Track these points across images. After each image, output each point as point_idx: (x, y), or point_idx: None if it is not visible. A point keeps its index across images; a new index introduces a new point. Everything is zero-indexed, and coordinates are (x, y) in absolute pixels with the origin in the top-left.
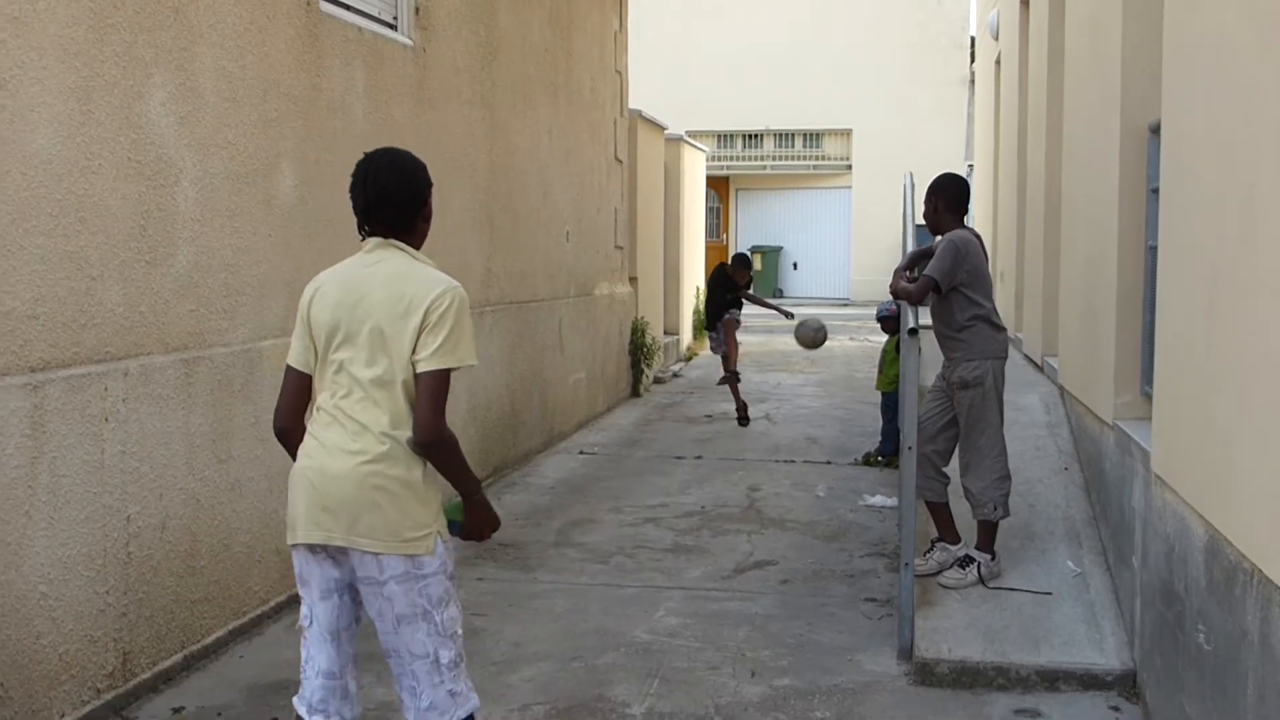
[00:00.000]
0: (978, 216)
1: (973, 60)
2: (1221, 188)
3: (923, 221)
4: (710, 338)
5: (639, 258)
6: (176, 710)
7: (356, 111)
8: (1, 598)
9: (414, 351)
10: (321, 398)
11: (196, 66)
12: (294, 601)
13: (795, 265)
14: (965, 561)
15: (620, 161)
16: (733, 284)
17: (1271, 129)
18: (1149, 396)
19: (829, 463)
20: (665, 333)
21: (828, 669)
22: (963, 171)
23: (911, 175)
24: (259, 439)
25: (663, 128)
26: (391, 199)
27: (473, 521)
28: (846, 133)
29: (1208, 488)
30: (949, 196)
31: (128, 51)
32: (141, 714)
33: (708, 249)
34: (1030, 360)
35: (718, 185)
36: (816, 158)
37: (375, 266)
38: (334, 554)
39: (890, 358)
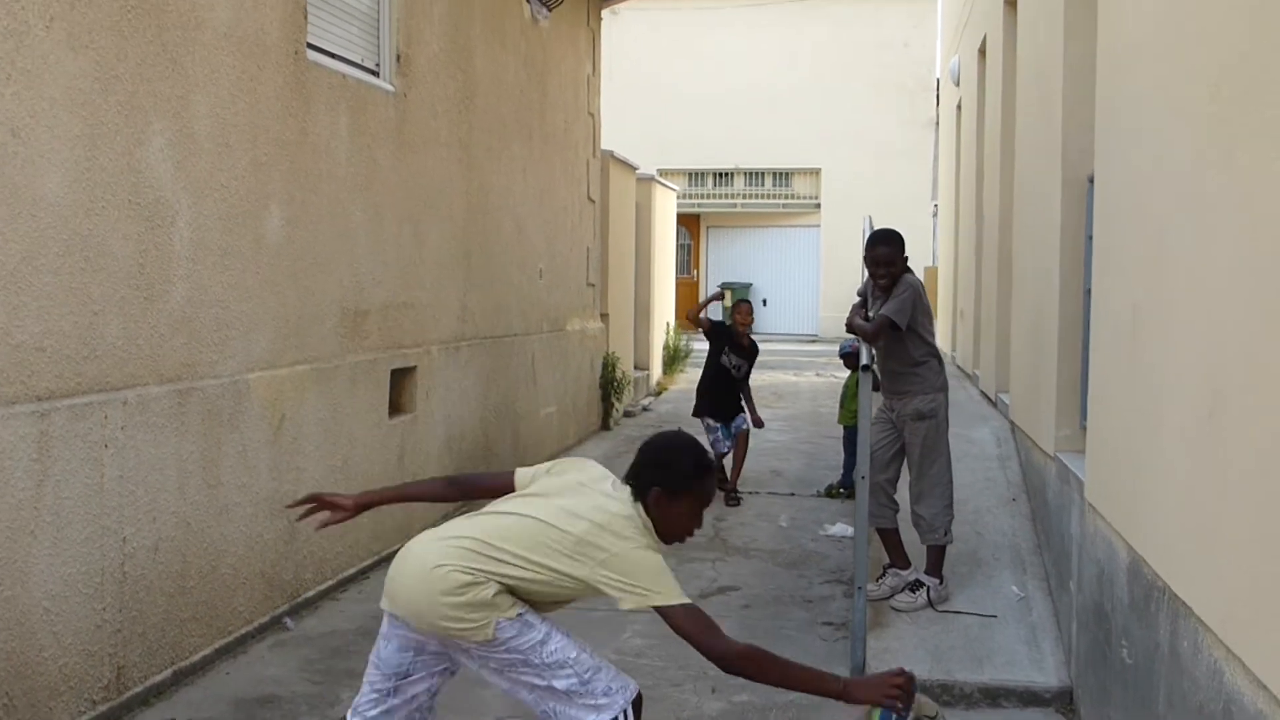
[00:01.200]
0: (942, 256)
1: (939, 103)
2: (1140, 234)
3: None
4: (710, 429)
5: (611, 294)
6: None
7: (340, 154)
8: (8, 612)
9: None
10: None
11: (192, 114)
12: (275, 622)
13: (765, 302)
14: (915, 586)
15: (593, 201)
16: (731, 337)
17: (1176, 181)
18: (1085, 430)
19: (792, 494)
20: (636, 367)
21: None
22: (928, 213)
23: (870, 218)
24: (246, 467)
25: (634, 168)
26: None
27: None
28: (816, 172)
29: (1129, 513)
30: (901, 248)
31: (130, 100)
32: None
33: (679, 285)
34: (985, 396)
35: (689, 222)
36: (786, 196)
37: None
38: None
39: (851, 392)
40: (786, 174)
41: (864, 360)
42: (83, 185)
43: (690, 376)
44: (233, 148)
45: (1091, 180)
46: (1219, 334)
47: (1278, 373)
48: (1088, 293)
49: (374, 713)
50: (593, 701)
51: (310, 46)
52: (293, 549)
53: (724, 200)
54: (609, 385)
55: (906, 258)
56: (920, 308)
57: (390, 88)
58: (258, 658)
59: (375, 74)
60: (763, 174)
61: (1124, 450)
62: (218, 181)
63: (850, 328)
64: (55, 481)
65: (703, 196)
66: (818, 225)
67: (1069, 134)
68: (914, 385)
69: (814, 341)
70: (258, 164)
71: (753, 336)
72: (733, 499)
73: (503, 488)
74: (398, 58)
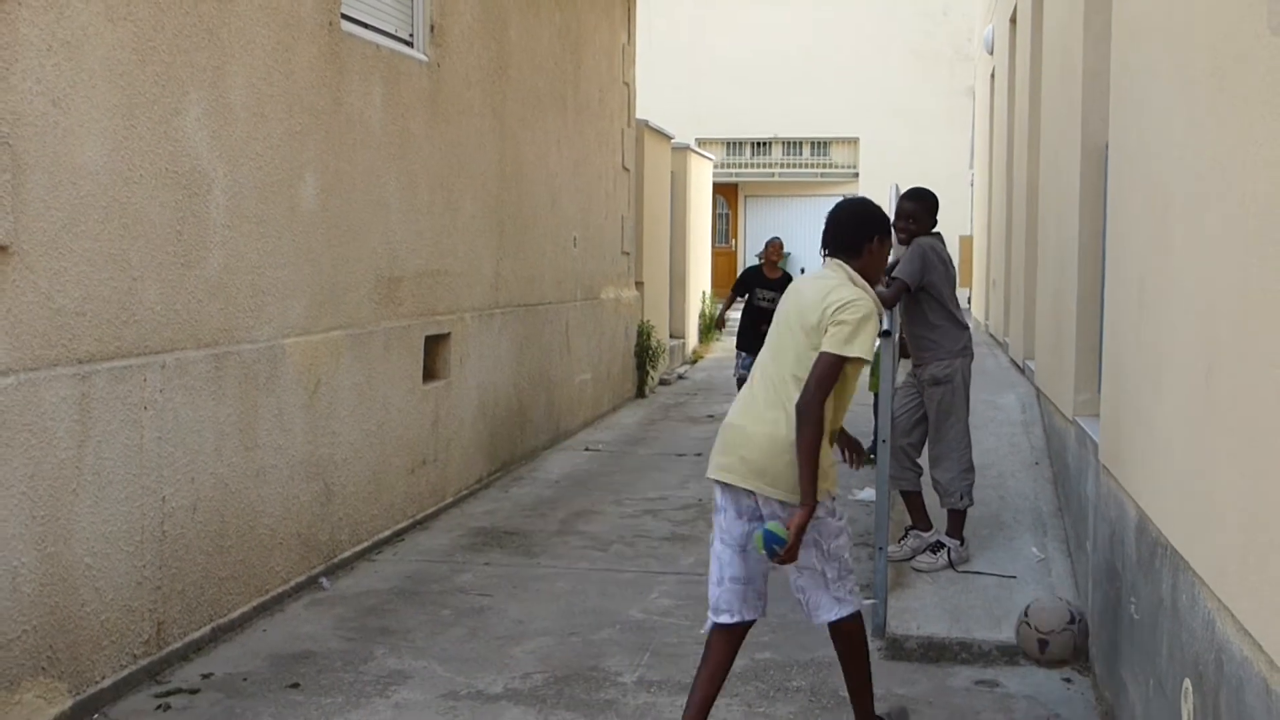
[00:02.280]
0: (978, 225)
1: (976, 72)
2: (1147, 205)
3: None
4: (741, 360)
5: (645, 263)
6: (206, 676)
7: (375, 124)
8: (52, 568)
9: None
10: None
11: (228, 84)
12: (311, 582)
13: (802, 270)
14: (936, 547)
15: (627, 170)
16: (760, 277)
17: (1180, 148)
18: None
19: None
20: (671, 336)
21: (805, 645)
22: (966, 182)
23: (897, 186)
24: (282, 429)
25: (669, 137)
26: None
27: (789, 541)
28: (854, 141)
29: (1137, 474)
30: (926, 212)
31: (167, 71)
32: (174, 679)
33: (716, 255)
34: (1014, 363)
35: (727, 192)
36: (824, 166)
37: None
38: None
39: (882, 360)
40: (824, 143)
41: (883, 325)
42: (121, 154)
43: (726, 345)
44: (268, 117)
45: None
46: (1213, 303)
47: (1266, 343)
48: (1105, 259)
49: None
50: (839, 595)
51: (344, 17)
52: (328, 511)
53: (762, 170)
54: (644, 353)
55: (935, 221)
56: (934, 270)
57: (424, 58)
58: (294, 616)
59: (409, 44)
60: (800, 143)
61: (1132, 413)
62: (253, 150)
63: None
64: (96, 442)
65: (740, 166)
66: (856, 195)
67: (1089, 103)
68: (930, 350)
69: None
70: (292, 133)
71: (784, 271)
72: None
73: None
74: (431, 28)
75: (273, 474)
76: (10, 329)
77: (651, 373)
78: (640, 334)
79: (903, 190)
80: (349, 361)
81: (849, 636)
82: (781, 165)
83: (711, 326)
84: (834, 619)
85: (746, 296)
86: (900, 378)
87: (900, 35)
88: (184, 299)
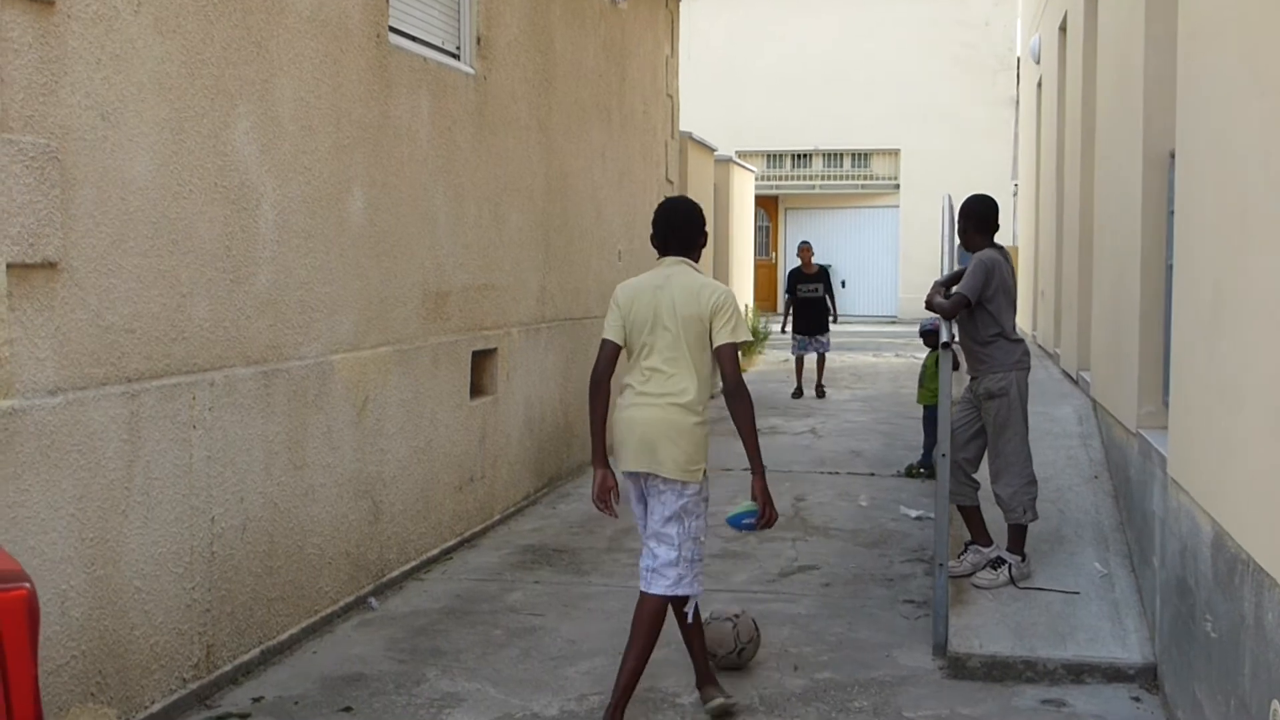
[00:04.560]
0: (1022, 236)
1: (1019, 82)
2: (1221, 210)
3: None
4: (798, 342)
5: None
6: (256, 700)
7: (421, 138)
8: (101, 591)
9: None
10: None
11: (276, 97)
12: (360, 602)
13: (844, 283)
14: (997, 563)
15: (671, 183)
16: (799, 274)
17: (1259, 157)
18: (1169, 406)
19: (872, 474)
20: None
21: (866, 664)
22: (1009, 192)
23: (950, 197)
24: (331, 448)
25: (712, 149)
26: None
27: (766, 510)
28: (894, 152)
29: (1212, 488)
30: (976, 217)
31: (215, 85)
32: (224, 703)
33: (757, 267)
34: (1066, 374)
35: (767, 204)
36: (864, 177)
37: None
38: (640, 474)
39: (931, 372)
40: (865, 155)
41: (944, 338)
42: (170, 169)
43: (768, 358)
44: (316, 131)
45: (1173, 156)
46: None
47: None
48: (1170, 269)
49: None
50: (684, 573)
51: (392, 30)
52: (377, 529)
53: (802, 182)
54: None
55: (995, 229)
56: (996, 285)
57: (470, 70)
58: (343, 637)
59: (456, 57)
60: (841, 155)
61: (1206, 425)
62: (301, 164)
63: (929, 305)
64: (145, 462)
65: (781, 178)
66: (896, 206)
67: (1150, 110)
68: (985, 363)
69: (893, 323)
70: (340, 147)
71: (819, 264)
72: (820, 392)
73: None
74: (478, 40)
75: (321, 493)
76: (59, 347)
77: None
78: None
79: (954, 202)
80: (397, 378)
81: (654, 618)
82: (822, 177)
83: (755, 340)
84: (670, 595)
85: (792, 294)
86: (957, 391)
87: (941, 45)
88: (233, 316)
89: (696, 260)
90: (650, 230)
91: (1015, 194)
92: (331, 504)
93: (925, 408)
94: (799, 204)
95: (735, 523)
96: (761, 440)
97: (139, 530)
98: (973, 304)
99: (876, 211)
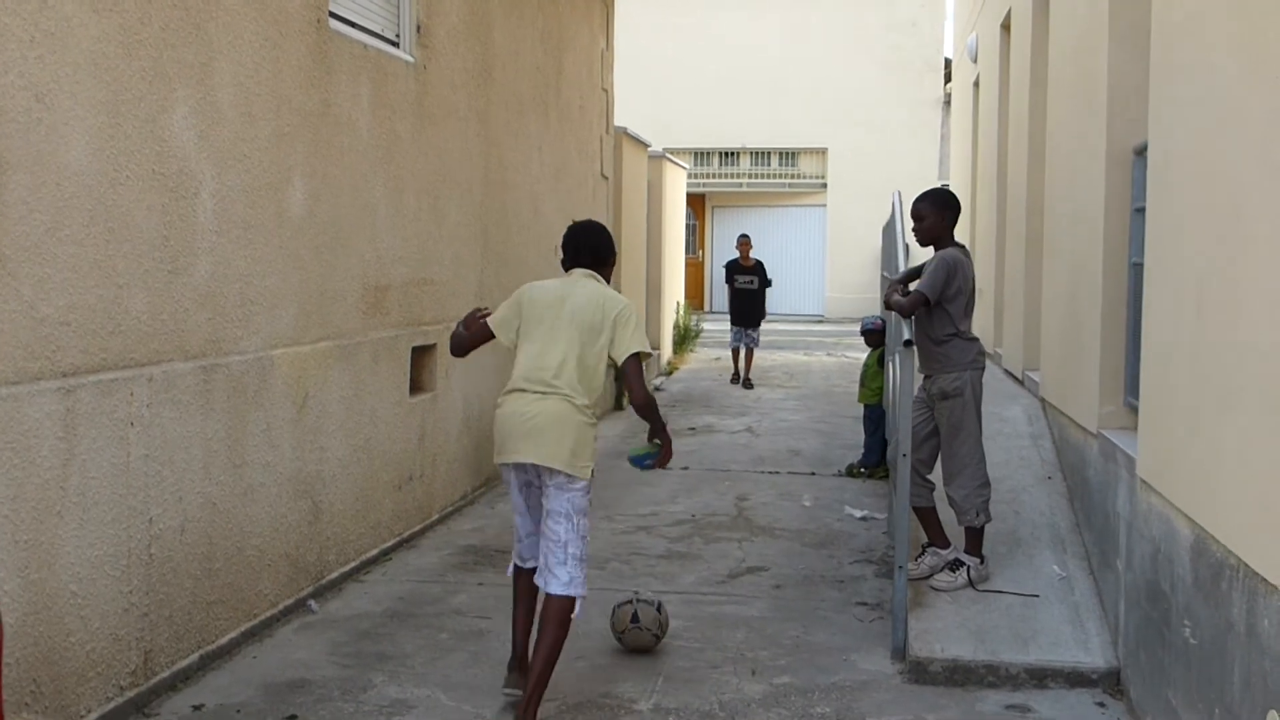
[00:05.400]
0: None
1: (947, 81)
2: (1207, 206)
3: (915, 238)
4: (734, 334)
5: (622, 274)
6: (197, 708)
7: (362, 127)
8: (36, 596)
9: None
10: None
11: (215, 81)
12: (300, 605)
13: (770, 282)
14: (955, 565)
15: (606, 178)
16: (737, 266)
17: (1256, 151)
18: (1132, 407)
19: (813, 474)
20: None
21: (825, 668)
22: (897, 192)
23: (899, 194)
24: (270, 445)
25: (646, 145)
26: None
27: (666, 450)
28: (822, 152)
29: (1195, 490)
30: (928, 206)
31: (153, 67)
32: (163, 711)
33: (686, 265)
34: (1010, 374)
35: (694, 203)
36: (792, 176)
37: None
38: (527, 466)
39: (873, 371)
40: (793, 153)
41: (905, 335)
42: (107, 154)
43: (700, 356)
44: (256, 118)
45: (1139, 152)
46: None
47: None
48: (1134, 267)
49: None
50: (575, 575)
51: (332, 15)
52: (316, 530)
53: (729, 180)
54: None
55: (949, 225)
56: (958, 284)
57: (410, 59)
58: (284, 641)
59: (395, 44)
60: (769, 153)
61: (1189, 427)
62: (240, 152)
63: (887, 303)
64: (81, 461)
65: (708, 176)
66: (824, 205)
67: (1114, 107)
68: (939, 363)
69: (820, 322)
70: (280, 135)
71: (756, 259)
72: (748, 385)
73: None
74: (418, 28)
75: (261, 492)
76: None
77: None
78: None
79: (903, 199)
80: (337, 374)
81: (560, 616)
82: (750, 175)
83: (686, 338)
84: (559, 594)
85: (730, 285)
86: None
87: (869, 46)
88: (171, 308)
89: (606, 279)
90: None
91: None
92: (271, 504)
93: (866, 407)
94: (726, 202)
95: (638, 462)
96: (698, 439)
97: (75, 532)
98: (931, 303)
99: (804, 210)
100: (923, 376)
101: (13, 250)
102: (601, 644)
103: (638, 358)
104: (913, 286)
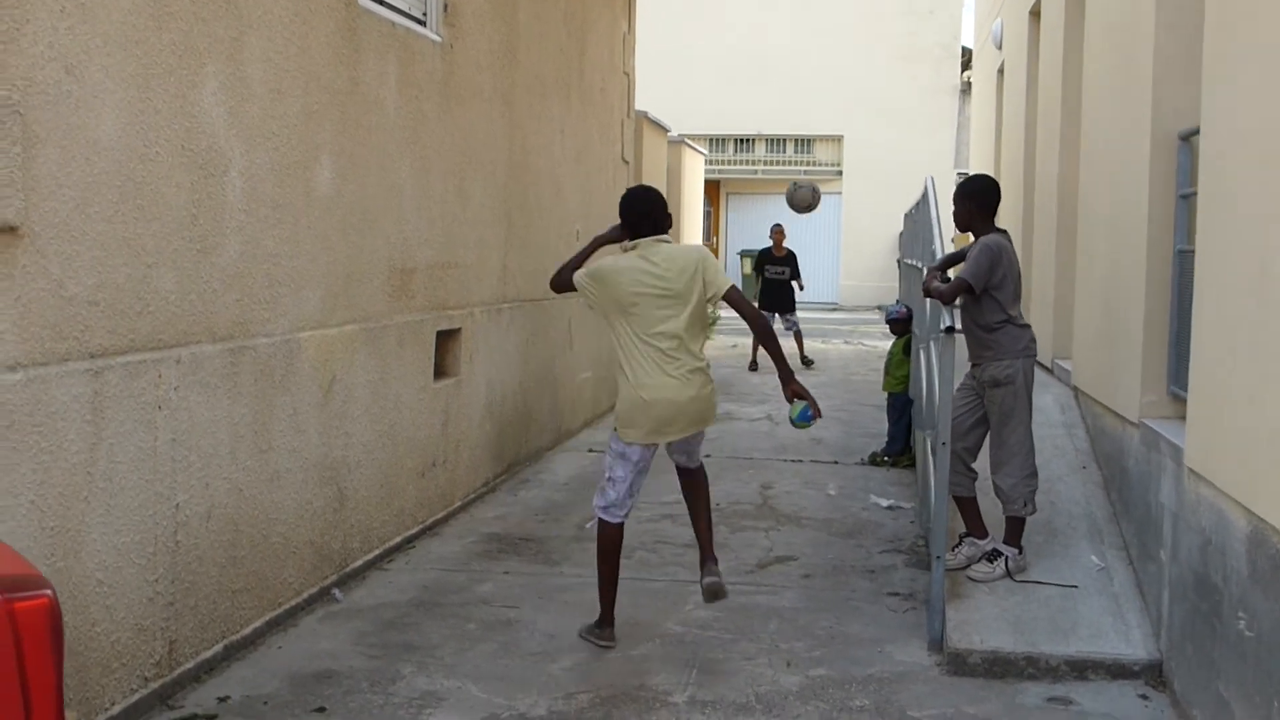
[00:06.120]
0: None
1: (964, 69)
2: (1271, 191)
3: (954, 223)
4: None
5: None
6: (222, 699)
7: (389, 106)
8: (61, 585)
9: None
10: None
11: (245, 57)
12: (324, 594)
13: (799, 275)
14: (993, 555)
15: (627, 162)
16: (769, 255)
17: None
18: (1175, 396)
19: (836, 462)
20: None
21: (860, 660)
22: (951, 179)
23: (932, 178)
24: (297, 430)
25: (666, 130)
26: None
27: (810, 400)
28: (838, 139)
29: (1253, 480)
30: (978, 198)
31: (184, 40)
32: (188, 703)
33: None
34: (1039, 363)
35: (709, 189)
36: (807, 163)
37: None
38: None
39: (898, 359)
40: (808, 141)
41: (948, 323)
42: (136, 129)
43: (717, 343)
44: (285, 95)
45: (1184, 138)
46: None
47: None
48: (1179, 254)
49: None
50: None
51: None
52: (341, 517)
53: (745, 167)
54: None
55: (980, 213)
56: (1003, 270)
57: (437, 38)
58: (308, 630)
59: (422, 23)
60: (784, 140)
61: (1249, 417)
62: (269, 129)
63: (927, 291)
64: (109, 445)
65: (723, 163)
66: (839, 192)
67: (1160, 93)
68: (990, 350)
69: (835, 309)
70: (309, 112)
71: (790, 249)
72: (807, 362)
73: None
74: (445, 7)
75: (287, 478)
76: (19, 319)
77: None
78: None
79: (932, 185)
80: (363, 357)
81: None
82: (765, 162)
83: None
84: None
85: (761, 274)
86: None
87: (885, 33)
88: (199, 289)
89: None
90: (616, 212)
91: (940, 179)
92: (297, 490)
93: (890, 395)
94: (741, 189)
95: (803, 417)
96: (718, 426)
97: (101, 518)
98: (976, 290)
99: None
100: (970, 364)
101: (41, 226)
102: (631, 635)
103: (735, 287)
104: (952, 273)
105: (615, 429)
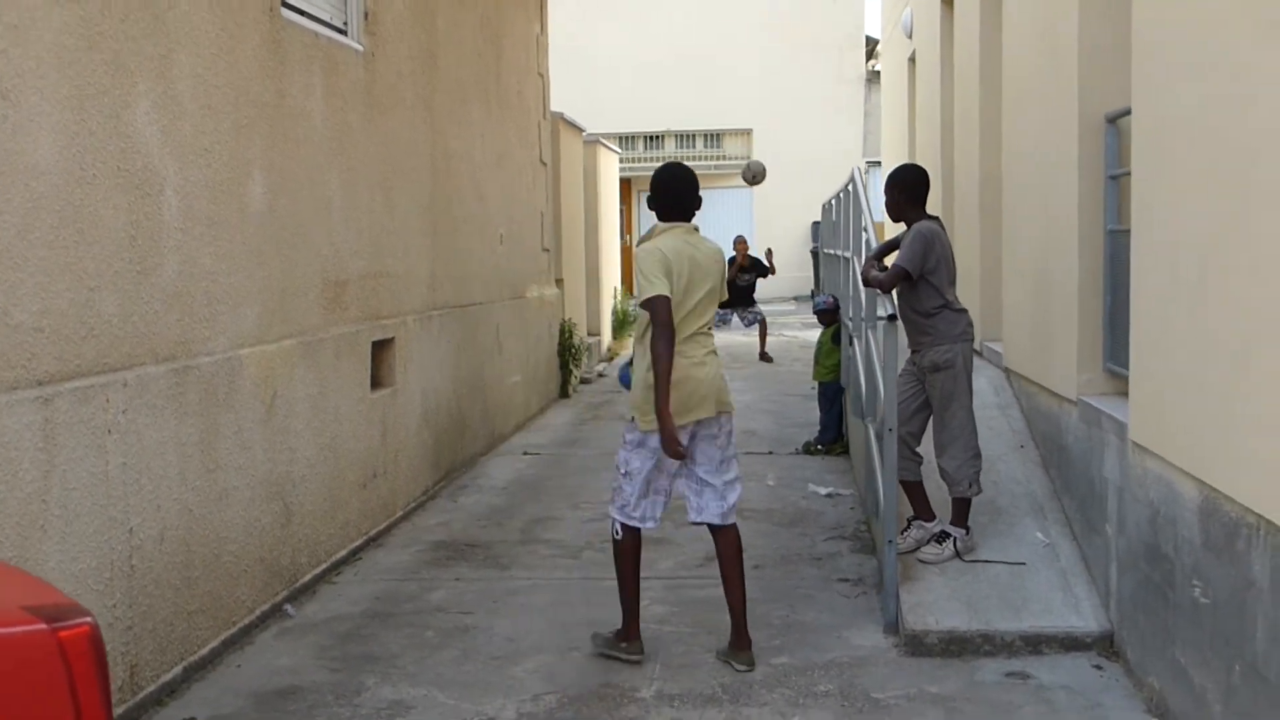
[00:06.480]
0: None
1: (868, 59)
2: (1210, 171)
3: (886, 213)
4: (726, 319)
5: (563, 260)
6: None
7: (316, 117)
8: None
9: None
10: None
11: (175, 74)
12: (276, 610)
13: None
14: (941, 537)
15: (545, 164)
16: (732, 263)
17: (1268, 114)
18: (1112, 373)
19: (771, 453)
20: (588, 334)
21: (819, 646)
22: (858, 168)
23: (858, 169)
24: (242, 447)
25: (581, 130)
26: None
27: None
28: (747, 132)
29: (1206, 453)
30: (908, 188)
31: (115, 60)
32: None
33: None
34: None
35: (620, 187)
36: (718, 158)
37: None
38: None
39: (827, 349)
40: (717, 135)
41: (890, 311)
42: (73, 151)
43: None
44: (215, 110)
45: (1110, 120)
46: None
47: None
48: (1110, 234)
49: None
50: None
51: (284, 4)
52: (288, 533)
53: (655, 164)
54: (566, 352)
55: (909, 201)
56: (937, 255)
57: (359, 47)
58: (265, 647)
59: (344, 33)
60: (694, 136)
61: (1196, 391)
62: (202, 146)
63: (866, 281)
64: (62, 472)
65: (634, 160)
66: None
67: (1086, 76)
68: (929, 336)
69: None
70: (239, 127)
71: (753, 256)
72: (766, 358)
73: None
74: (365, 15)
75: (235, 496)
76: None
77: (574, 371)
78: (563, 332)
79: (859, 175)
80: (302, 371)
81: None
82: (675, 158)
83: (624, 324)
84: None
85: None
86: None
87: (790, 26)
88: (141, 310)
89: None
90: (535, 216)
91: (866, 171)
92: (245, 507)
93: (821, 384)
94: None
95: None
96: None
97: (58, 546)
98: (913, 276)
99: (731, 192)
100: (910, 351)
101: None
102: (590, 634)
103: None
104: (888, 261)
105: (632, 419)
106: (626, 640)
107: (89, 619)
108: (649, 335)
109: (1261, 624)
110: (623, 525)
